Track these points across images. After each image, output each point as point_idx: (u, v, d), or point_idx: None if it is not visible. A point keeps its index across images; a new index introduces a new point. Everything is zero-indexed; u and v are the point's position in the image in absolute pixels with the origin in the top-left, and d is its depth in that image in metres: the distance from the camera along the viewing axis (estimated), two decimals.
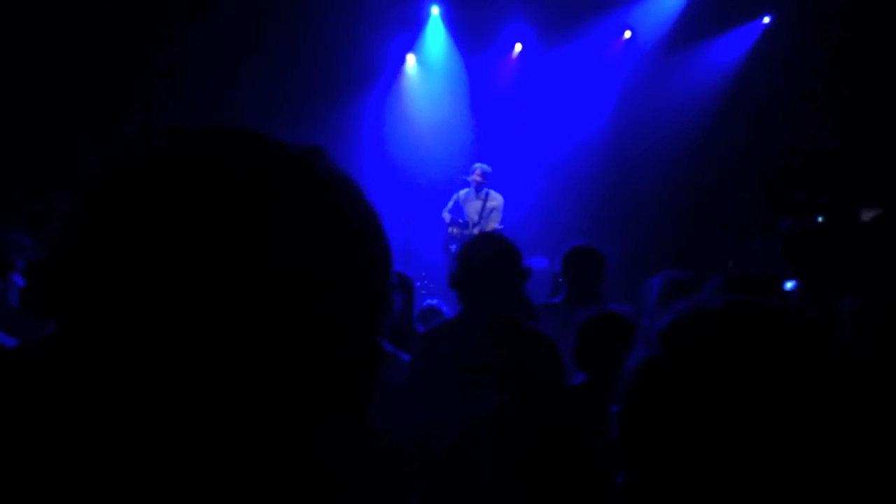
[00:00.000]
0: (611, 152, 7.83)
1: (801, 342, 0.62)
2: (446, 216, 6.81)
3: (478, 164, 6.75)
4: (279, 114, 6.77)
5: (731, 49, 7.88)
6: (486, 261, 2.21)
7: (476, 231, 6.42)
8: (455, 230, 6.67)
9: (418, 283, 6.71)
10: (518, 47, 8.22)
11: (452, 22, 8.13)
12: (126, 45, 6.13)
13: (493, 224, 6.50)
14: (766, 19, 7.74)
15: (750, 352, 0.62)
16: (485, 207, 6.61)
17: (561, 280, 3.09)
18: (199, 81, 6.40)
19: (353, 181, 0.51)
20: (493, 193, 6.70)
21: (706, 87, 7.77)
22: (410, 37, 8.17)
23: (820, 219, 6.32)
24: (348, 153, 7.85)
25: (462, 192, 6.80)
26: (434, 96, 8.24)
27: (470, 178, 6.68)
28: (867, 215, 6.15)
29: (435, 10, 8.11)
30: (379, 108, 8.19)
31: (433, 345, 2.22)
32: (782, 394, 0.60)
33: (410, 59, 8.31)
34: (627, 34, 8.05)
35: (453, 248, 6.44)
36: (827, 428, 0.59)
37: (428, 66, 8.35)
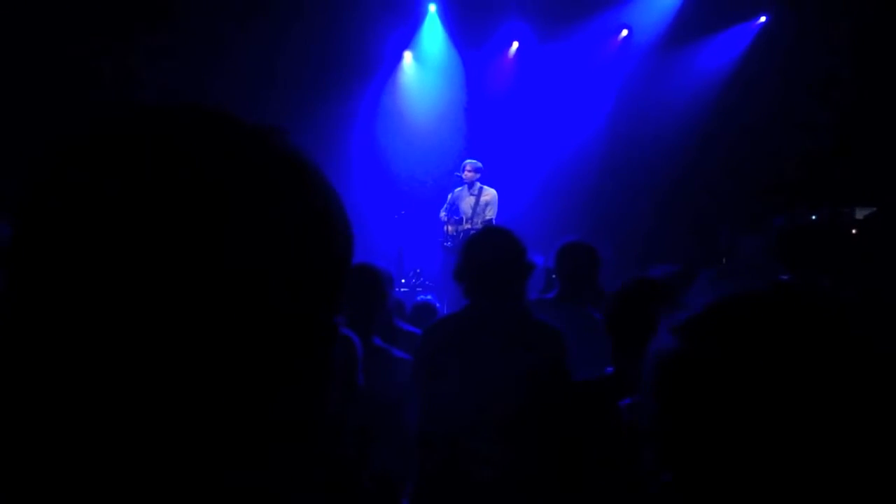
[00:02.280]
0: (607, 150, 7.83)
1: (851, 330, 0.60)
2: (443, 215, 6.80)
3: (468, 161, 6.74)
4: (272, 109, 6.72)
5: (727, 48, 7.87)
6: (492, 254, 2.19)
7: (468, 226, 6.40)
8: (451, 227, 6.66)
9: (413, 280, 6.71)
10: (515, 45, 8.20)
11: (449, 19, 8.10)
12: (112, 34, 6.08)
13: (489, 218, 6.48)
14: (763, 19, 7.74)
15: (793, 339, 0.59)
16: (478, 202, 6.60)
17: (554, 276, 3.05)
18: (190, 74, 6.35)
19: (310, 161, 0.48)
20: (486, 188, 6.69)
21: (702, 85, 7.77)
22: (407, 33, 8.15)
23: (813, 217, 6.31)
24: (343, 149, 7.84)
25: (457, 190, 6.80)
26: (431, 93, 8.21)
27: (462, 175, 6.67)
28: (861, 214, 6.15)
29: (432, 7, 8.08)
30: (374, 104, 8.17)
31: (440, 338, 2.19)
32: (836, 382, 0.58)
33: (407, 55, 8.28)
34: (624, 33, 8.03)
35: (449, 244, 6.42)
36: (882, 419, 0.57)
37: (425, 62, 8.32)
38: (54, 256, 0.39)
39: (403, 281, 6.64)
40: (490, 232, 2.39)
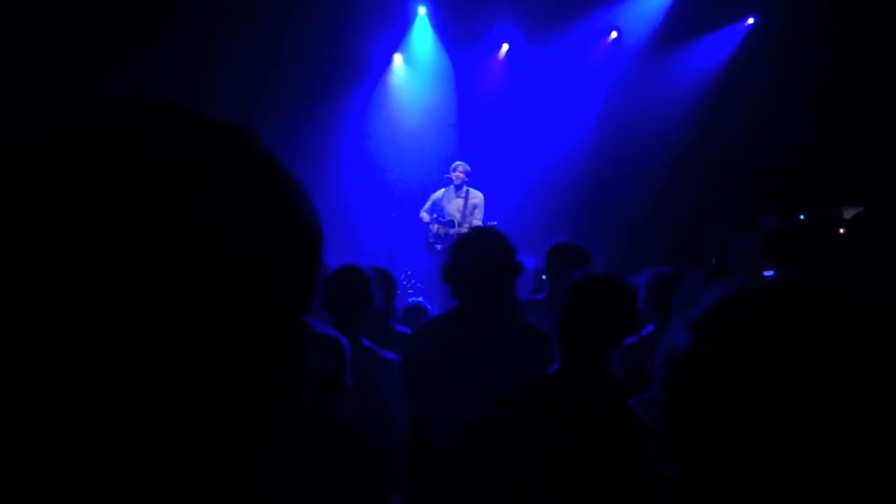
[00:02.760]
0: (596, 152, 7.85)
1: (861, 326, 0.60)
2: (424, 216, 6.77)
3: (459, 162, 6.71)
4: (263, 112, 6.70)
5: (715, 49, 7.92)
6: (481, 255, 2.19)
7: (462, 229, 6.38)
8: (439, 229, 6.63)
9: (403, 282, 6.69)
10: (505, 47, 8.21)
11: (439, 22, 8.10)
12: (105, 40, 6.05)
13: (477, 221, 6.47)
14: (751, 20, 7.79)
15: (807, 335, 0.59)
16: (466, 205, 6.57)
17: (544, 277, 3.05)
18: (181, 77, 6.32)
19: (277, 158, 0.47)
20: (473, 191, 6.67)
21: (691, 86, 7.81)
22: (397, 36, 8.14)
23: (801, 217, 6.35)
24: (333, 151, 7.82)
25: (440, 192, 6.76)
26: (421, 96, 8.20)
27: (452, 176, 6.64)
28: (849, 213, 6.20)
29: (422, 10, 8.08)
30: (364, 106, 8.15)
31: (429, 339, 2.20)
32: (842, 379, 0.58)
33: (397, 58, 8.28)
34: (613, 35, 8.06)
35: (439, 246, 6.40)
36: (888, 415, 0.57)
37: (415, 65, 8.32)
38: (8, 259, 0.37)
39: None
40: (479, 233, 2.40)
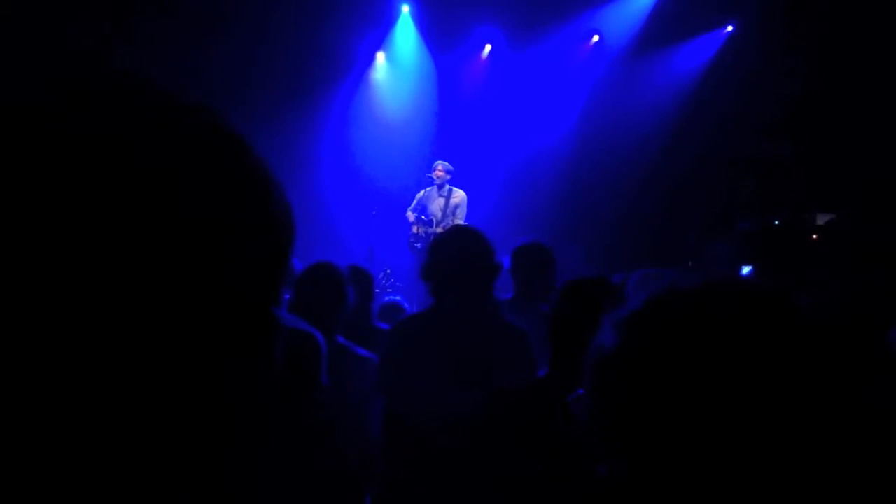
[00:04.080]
0: (576, 155, 7.89)
1: (776, 315, 0.62)
2: (410, 215, 6.76)
3: (439, 162, 6.71)
4: (244, 109, 6.64)
5: (695, 56, 8.01)
6: (459, 253, 2.19)
7: (440, 229, 6.38)
8: (419, 228, 6.63)
9: (383, 280, 6.67)
10: (487, 48, 8.22)
11: (423, 21, 8.09)
12: (82, 34, 5.95)
13: (459, 220, 6.46)
14: (730, 28, 7.89)
15: (726, 328, 0.61)
16: (448, 204, 6.57)
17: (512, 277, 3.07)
18: (159, 74, 6.24)
19: (243, 138, 0.44)
20: (455, 190, 6.67)
21: (671, 92, 7.89)
22: (380, 34, 8.12)
23: (776, 222, 6.44)
24: (314, 149, 7.78)
25: (424, 191, 6.77)
26: (403, 95, 8.18)
27: (432, 175, 6.64)
28: (822, 220, 6.30)
29: (405, 9, 8.06)
30: (346, 105, 8.12)
31: (405, 338, 2.19)
32: (762, 369, 0.59)
33: (380, 56, 8.25)
34: (595, 39, 8.11)
35: (419, 245, 6.39)
36: (809, 402, 0.58)
37: (397, 64, 8.30)
38: None
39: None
40: (458, 232, 2.40)
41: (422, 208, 6.69)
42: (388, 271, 6.69)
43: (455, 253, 2.19)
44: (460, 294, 2.18)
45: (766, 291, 0.63)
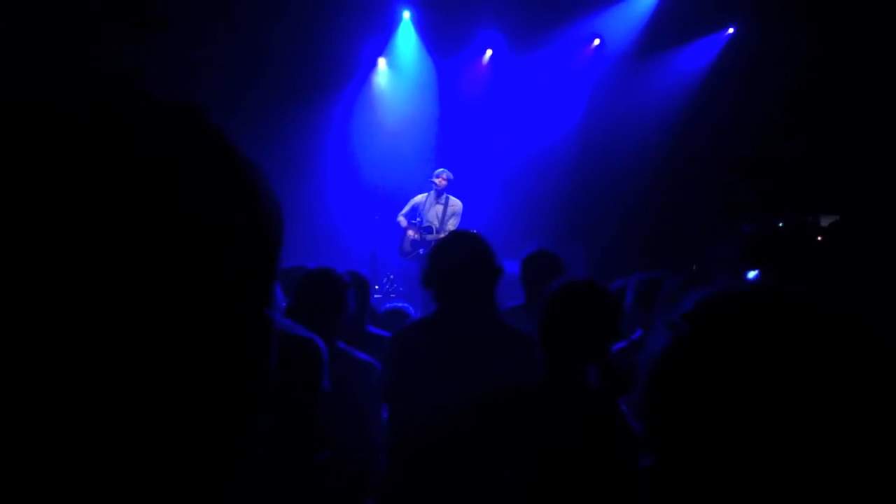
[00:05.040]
0: (577, 158, 7.90)
1: (833, 327, 0.63)
2: (402, 220, 6.75)
3: (442, 169, 6.72)
4: (246, 115, 6.66)
5: (696, 58, 8.01)
6: (460, 258, 2.19)
7: (438, 236, 6.37)
8: (415, 234, 6.61)
9: (386, 286, 6.67)
10: (488, 53, 8.23)
11: (424, 26, 8.11)
12: (84, 38, 5.97)
13: (451, 227, 6.46)
14: (731, 30, 7.89)
15: (786, 334, 0.62)
16: (445, 212, 6.58)
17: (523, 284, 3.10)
18: (160, 80, 6.27)
19: (228, 136, 0.43)
20: (453, 199, 6.69)
21: (672, 94, 7.89)
22: (381, 40, 8.14)
23: (780, 224, 6.42)
24: (316, 156, 7.80)
25: (421, 197, 6.77)
26: (404, 100, 8.20)
27: (435, 182, 6.64)
28: (826, 221, 6.27)
29: (406, 14, 8.08)
30: (348, 110, 8.14)
31: (409, 342, 2.18)
32: (817, 377, 0.60)
33: (381, 62, 8.27)
34: (596, 42, 8.12)
35: (422, 251, 6.38)
36: (861, 413, 0.59)
37: (398, 69, 8.32)
38: None
39: (377, 287, 6.61)
40: (458, 236, 2.40)
41: (416, 213, 6.68)
42: (391, 277, 6.68)
43: (456, 258, 2.19)
44: (462, 299, 2.17)
45: (808, 297, 0.65)
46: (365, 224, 7.05)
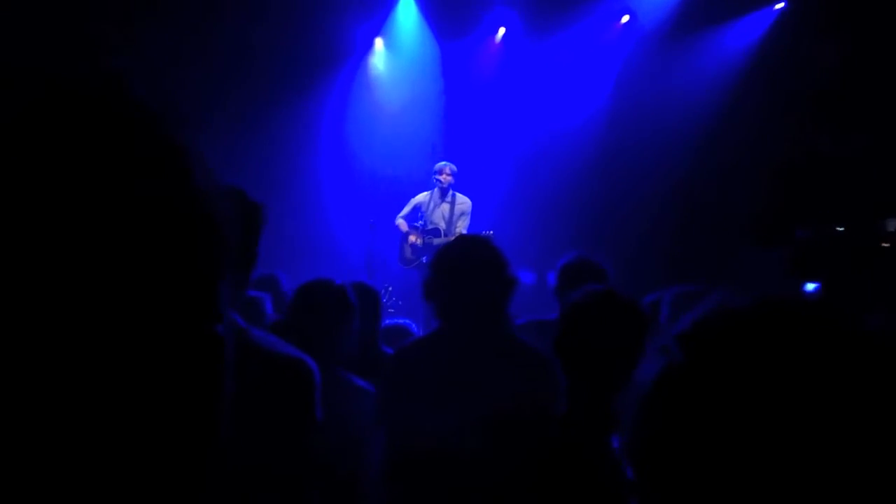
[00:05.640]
0: (604, 151, 7.87)
1: (846, 342, 0.62)
2: (402, 223, 6.74)
3: (444, 163, 6.71)
4: (233, 103, 6.71)
5: (740, 36, 7.96)
6: (466, 266, 2.18)
7: (447, 239, 6.35)
8: (418, 238, 6.60)
9: (384, 299, 6.66)
10: (501, 31, 8.24)
11: (426, 2, 8.14)
12: (74, 28, 6.06)
13: (462, 230, 6.46)
14: (780, 5, 7.86)
15: (794, 354, 0.61)
16: (453, 211, 6.58)
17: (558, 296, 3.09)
18: (153, 67, 6.33)
19: (156, 110, 0.43)
20: (460, 196, 6.67)
21: (712, 78, 7.83)
22: (379, 18, 8.17)
23: (840, 229, 6.39)
24: (304, 149, 7.83)
25: (423, 196, 6.77)
26: (404, 86, 8.22)
27: (439, 178, 6.63)
28: (893, 226, 6.24)
29: None
30: (342, 97, 8.17)
31: (407, 366, 2.19)
32: (833, 401, 0.59)
33: (378, 43, 8.30)
34: (625, 18, 8.10)
35: (425, 259, 6.36)
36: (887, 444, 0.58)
37: (398, 51, 8.34)
38: None
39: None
40: (464, 242, 2.40)
41: (420, 216, 6.68)
42: (390, 288, 6.68)
43: (462, 266, 2.19)
44: (469, 314, 2.17)
45: (835, 312, 0.64)
46: (359, 227, 7.07)
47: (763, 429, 0.59)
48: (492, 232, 6.15)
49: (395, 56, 8.35)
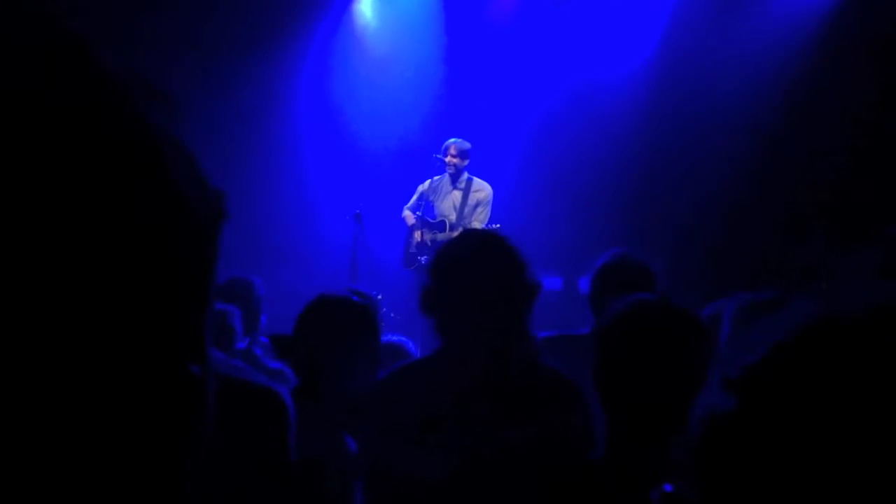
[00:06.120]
0: (646, 127, 7.88)
1: None
2: (408, 216, 6.78)
3: (452, 140, 6.71)
4: (196, 62, 6.77)
5: None
6: (476, 270, 2.17)
7: (453, 234, 6.32)
8: (424, 235, 6.59)
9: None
10: None
11: None
12: None
13: (479, 224, 6.49)
14: None
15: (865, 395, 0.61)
16: (466, 201, 6.59)
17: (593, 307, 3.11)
18: (118, 22, 6.41)
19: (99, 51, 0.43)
20: (476, 182, 6.71)
21: (785, 36, 7.80)
22: None
23: None
24: (282, 118, 7.88)
25: (429, 182, 6.77)
26: (398, 39, 8.29)
27: (445, 160, 6.64)
28: None
29: None
30: (322, 57, 8.24)
31: (398, 398, 2.19)
32: None
33: None
34: None
35: (424, 259, 6.33)
36: None
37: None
38: None
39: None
40: (470, 239, 2.43)
41: (428, 207, 6.71)
42: (379, 297, 6.65)
43: (468, 270, 2.19)
44: (478, 332, 2.17)
45: None
46: (342, 217, 7.04)
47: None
48: (498, 225, 6.14)
49: (386, 4, 8.41)
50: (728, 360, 0.69)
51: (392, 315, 6.63)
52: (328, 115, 8.23)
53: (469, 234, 2.55)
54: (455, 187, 6.69)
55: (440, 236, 6.50)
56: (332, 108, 8.24)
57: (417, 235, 6.69)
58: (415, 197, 6.85)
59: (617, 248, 3.30)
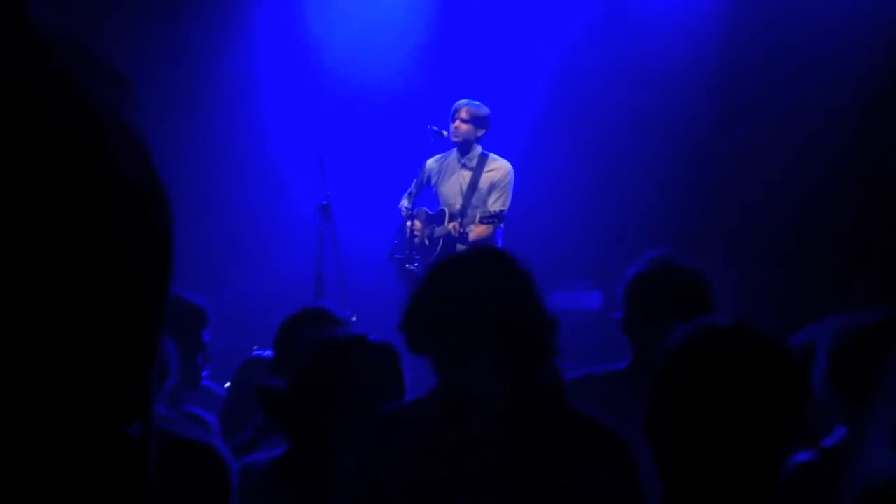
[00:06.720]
0: (702, 104, 7.94)
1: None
2: (404, 204, 6.66)
3: (462, 102, 6.56)
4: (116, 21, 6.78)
5: None
6: (478, 296, 2.21)
7: (458, 228, 6.28)
8: (419, 227, 6.51)
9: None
10: None
11: None
12: None
13: (497, 209, 6.31)
14: None
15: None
16: (476, 183, 6.45)
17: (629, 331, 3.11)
18: None
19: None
20: (493, 159, 6.57)
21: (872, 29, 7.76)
22: None
23: None
24: (231, 85, 7.95)
25: (435, 160, 6.70)
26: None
27: (450, 129, 6.51)
28: None
29: None
30: (286, 21, 8.33)
31: (389, 447, 2.23)
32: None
33: None
34: None
35: (415, 266, 6.25)
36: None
37: None
38: None
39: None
40: (474, 257, 2.50)
41: (430, 192, 6.67)
42: (354, 318, 6.68)
43: (471, 299, 2.22)
44: (488, 371, 2.21)
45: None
46: (304, 210, 7.04)
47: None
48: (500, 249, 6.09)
49: None
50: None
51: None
52: (287, 74, 8.30)
53: (471, 254, 2.57)
54: (463, 165, 6.54)
55: (438, 231, 6.40)
56: (292, 66, 8.32)
57: (417, 227, 6.50)
58: (414, 184, 6.61)
59: (654, 251, 3.22)
